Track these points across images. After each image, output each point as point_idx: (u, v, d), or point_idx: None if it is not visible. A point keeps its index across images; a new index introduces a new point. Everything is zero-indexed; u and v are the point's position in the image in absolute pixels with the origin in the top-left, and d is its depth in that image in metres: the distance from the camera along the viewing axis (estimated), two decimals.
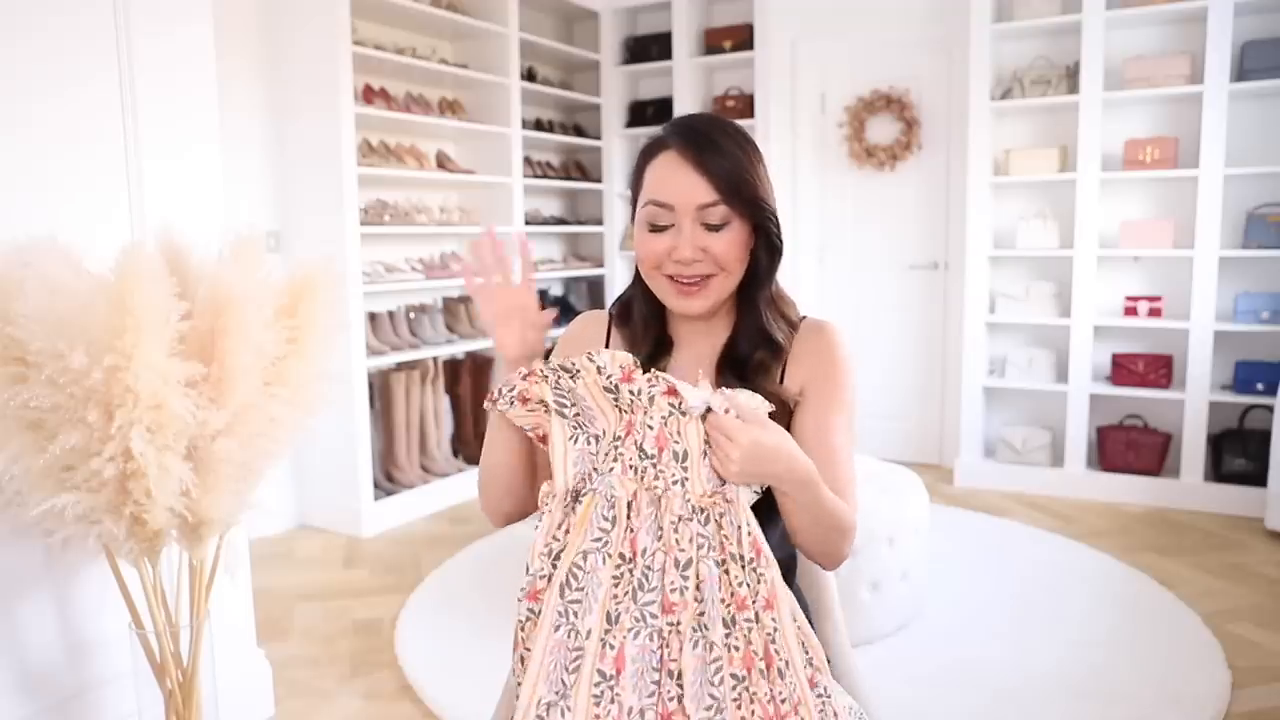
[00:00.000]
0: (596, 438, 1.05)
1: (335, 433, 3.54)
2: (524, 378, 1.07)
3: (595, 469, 1.04)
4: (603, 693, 0.97)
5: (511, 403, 1.07)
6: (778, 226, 1.16)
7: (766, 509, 1.15)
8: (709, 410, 1.01)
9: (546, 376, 1.05)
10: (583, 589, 1.00)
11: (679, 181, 1.12)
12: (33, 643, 1.80)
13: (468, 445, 4.27)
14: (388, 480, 3.86)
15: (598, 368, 1.03)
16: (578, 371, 1.04)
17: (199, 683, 1.73)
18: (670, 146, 1.14)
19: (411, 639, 2.61)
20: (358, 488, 3.56)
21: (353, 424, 3.52)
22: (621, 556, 1.01)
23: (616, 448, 1.04)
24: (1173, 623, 2.68)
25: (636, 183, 1.19)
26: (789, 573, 1.26)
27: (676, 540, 1.01)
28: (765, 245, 1.17)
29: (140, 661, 1.71)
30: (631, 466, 1.03)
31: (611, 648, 0.98)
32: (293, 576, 3.16)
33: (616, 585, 1.00)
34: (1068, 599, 2.88)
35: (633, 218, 1.21)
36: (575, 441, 1.05)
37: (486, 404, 1.09)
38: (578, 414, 1.06)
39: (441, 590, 2.99)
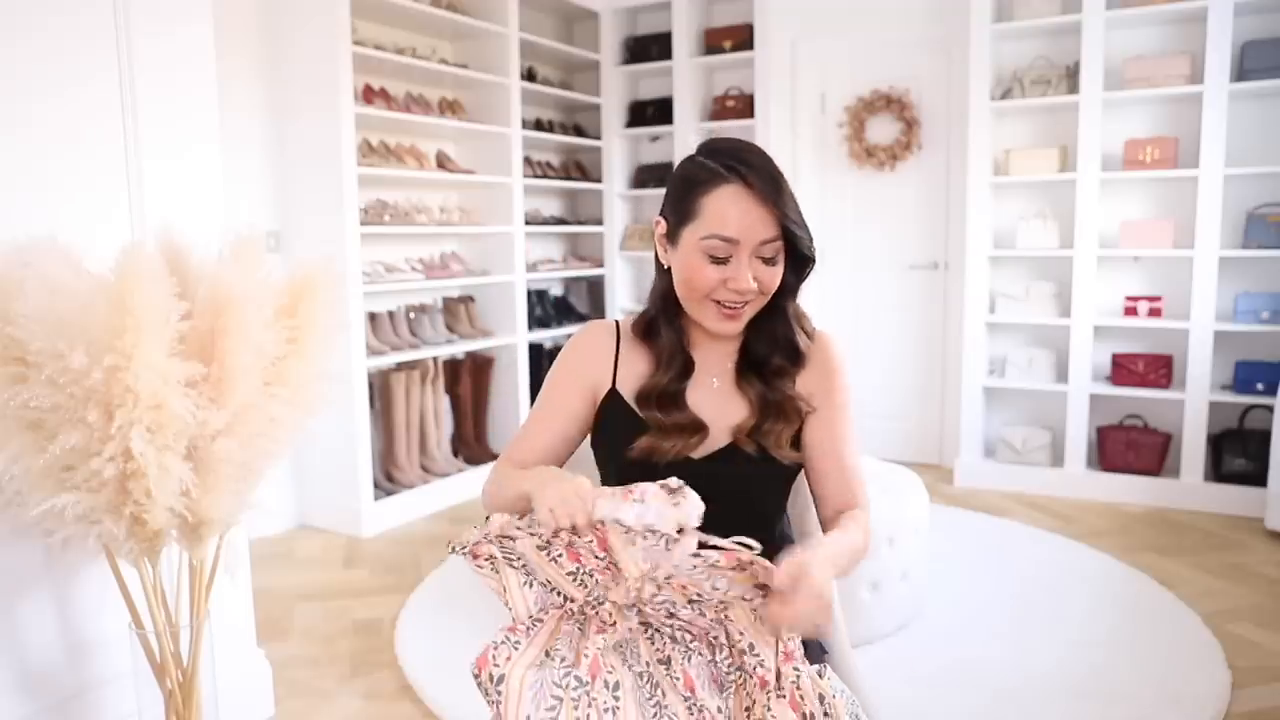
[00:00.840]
0: (545, 583, 1.09)
1: (335, 433, 3.54)
2: (476, 542, 1.08)
3: (592, 597, 1.07)
4: (692, 708, 1.05)
5: (464, 555, 1.10)
6: (813, 251, 1.20)
7: (773, 504, 1.17)
8: (746, 577, 1.00)
9: (492, 541, 1.07)
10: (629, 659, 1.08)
11: (748, 219, 1.14)
12: (33, 643, 1.80)
13: (468, 445, 4.27)
14: (388, 480, 3.86)
15: (538, 545, 1.05)
16: (515, 539, 1.06)
17: (199, 683, 1.73)
18: (734, 181, 1.14)
19: (411, 639, 2.62)
20: (358, 488, 3.56)
21: (353, 424, 3.52)
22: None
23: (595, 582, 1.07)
24: (1173, 623, 2.68)
25: (689, 208, 1.17)
26: None
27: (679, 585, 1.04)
28: (793, 262, 1.21)
29: (140, 661, 1.71)
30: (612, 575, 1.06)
31: (679, 678, 1.06)
32: (293, 576, 3.16)
33: (654, 643, 1.08)
34: (1068, 599, 2.88)
35: (667, 235, 1.22)
36: (530, 586, 1.09)
37: (449, 548, 1.10)
38: (524, 565, 1.08)
39: (441, 590, 2.99)
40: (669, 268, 1.23)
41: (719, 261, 1.16)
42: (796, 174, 4.70)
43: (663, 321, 1.25)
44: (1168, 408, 3.93)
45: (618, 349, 1.28)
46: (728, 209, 1.14)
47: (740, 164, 1.15)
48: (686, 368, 1.25)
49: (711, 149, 1.20)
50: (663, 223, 1.23)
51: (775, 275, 1.18)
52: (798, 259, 1.21)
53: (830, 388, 1.25)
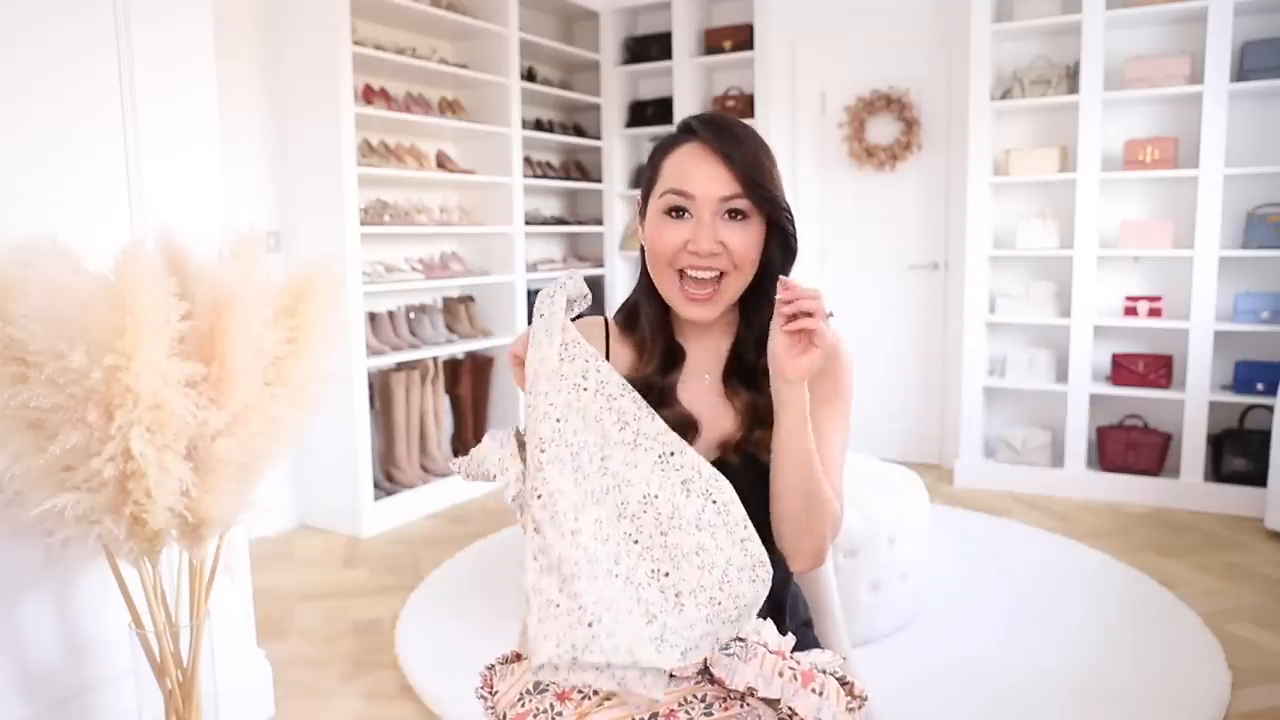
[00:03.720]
0: None
1: (335, 433, 3.54)
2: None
3: None
4: None
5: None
6: (793, 225, 1.15)
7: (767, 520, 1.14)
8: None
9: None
10: None
11: (703, 172, 1.10)
12: (33, 643, 1.80)
13: (467, 445, 4.27)
14: (388, 480, 3.86)
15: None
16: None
17: (199, 683, 1.73)
18: (692, 139, 1.12)
19: (411, 639, 2.61)
20: (358, 488, 3.56)
21: (353, 424, 3.52)
22: None
23: None
24: (1173, 623, 2.68)
25: (651, 175, 1.15)
26: (788, 576, 1.24)
27: None
28: (780, 245, 1.15)
29: (140, 661, 1.71)
30: None
31: None
32: (293, 576, 3.16)
33: None
34: (1068, 599, 2.88)
35: (642, 213, 1.18)
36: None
37: None
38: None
39: (441, 590, 2.99)
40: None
41: (678, 219, 1.11)
42: (796, 174, 4.70)
43: (645, 305, 1.19)
44: (1168, 408, 3.93)
45: (608, 343, 1.22)
46: (683, 164, 1.11)
47: (701, 123, 1.13)
48: (671, 354, 1.17)
49: (683, 120, 1.17)
50: (638, 202, 1.20)
51: (746, 240, 1.10)
52: (782, 239, 1.14)
53: (828, 389, 1.15)
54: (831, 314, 1.02)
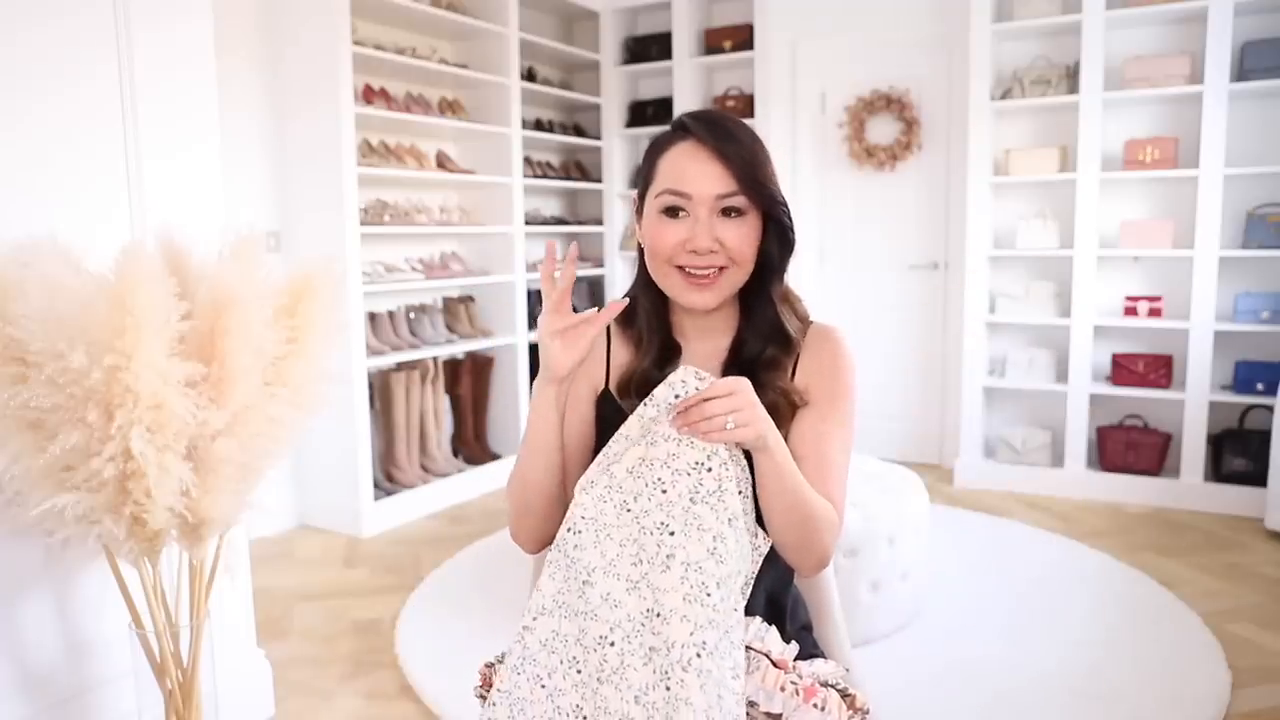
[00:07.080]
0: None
1: (335, 433, 3.54)
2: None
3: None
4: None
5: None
6: (790, 219, 1.15)
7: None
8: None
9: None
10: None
11: (698, 170, 1.09)
12: (33, 643, 1.80)
13: (468, 445, 4.27)
14: (388, 480, 3.86)
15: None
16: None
17: (199, 683, 1.73)
18: (688, 137, 1.11)
19: (411, 639, 2.61)
20: (358, 488, 3.56)
21: (353, 424, 3.52)
22: None
23: None
24: (1173, 623, 2.68)
25: (648, 173, 1.15)
26: (789, 579, 1.24)
27: None
28: (777, 238, 1.15)
29: (140, 661, 1.71)
30: None
31: None
32: (293, 576, 3.16)
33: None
34: (1068, 599, 2.88)
35: (638, 211, 1.18)
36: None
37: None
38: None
39: (441, 590, 2.99)
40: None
41: (675, 218, 1.10)
42: (796, 174, 4.70)
43: (642, 300, 1.19)
44: (1168, 408, 3.93)
45: (609, 339, 1.22)
46: (679, 163, 1.11)
47: (695, 121, 1.12)
48: (667, 348, 1.17)
49: (676, 118, 1.17)
50: (635, 199, 1.19)
51: (743, 236, 1.11)
52: (780, 233, 1.14)
53: (829, 387, 1.16)
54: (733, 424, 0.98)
